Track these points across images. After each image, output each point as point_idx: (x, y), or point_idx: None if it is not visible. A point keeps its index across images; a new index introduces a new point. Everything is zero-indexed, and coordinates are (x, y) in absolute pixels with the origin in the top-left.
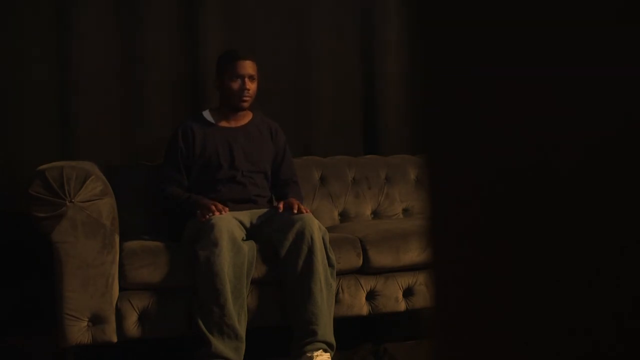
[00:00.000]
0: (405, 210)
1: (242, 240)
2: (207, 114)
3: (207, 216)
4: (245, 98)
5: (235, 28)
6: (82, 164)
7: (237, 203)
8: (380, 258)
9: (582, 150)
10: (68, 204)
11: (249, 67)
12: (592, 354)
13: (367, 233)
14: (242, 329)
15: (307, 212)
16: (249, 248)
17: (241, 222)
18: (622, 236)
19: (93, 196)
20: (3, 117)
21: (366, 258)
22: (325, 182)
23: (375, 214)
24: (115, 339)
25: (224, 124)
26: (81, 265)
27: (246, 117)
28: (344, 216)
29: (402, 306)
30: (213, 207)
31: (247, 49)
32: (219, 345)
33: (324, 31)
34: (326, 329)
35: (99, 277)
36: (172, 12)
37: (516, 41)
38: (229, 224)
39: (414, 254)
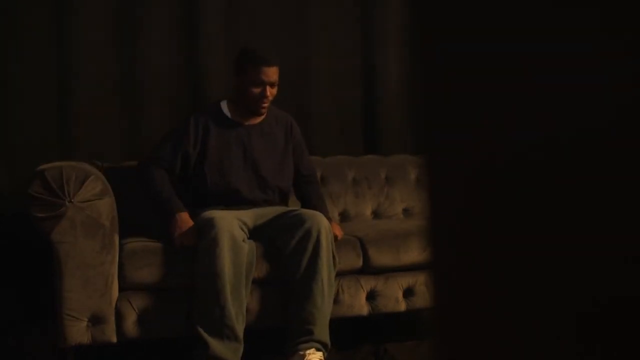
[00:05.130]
0: (405, 210)
1: (243, 241)
2: (224, 106)
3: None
4: (264, 105)
5: (235, 28)
6: (81, 164)
7: (245, 205)
8: (381, 258)
9: (578, 148)
10: (67, 204)
11: (273, 74)
12: (591, 352)
13: (367, 233)
14: (240, 330)
15: (340, 236)
16: (249, 249)
17: (244, 222)
18: (619, 233)
19: (92, 196)
20: (3, 117)
21: (366, 258)
22: (325, 182)
23: (376, 214)
24: (114, 339)
25: (239, 120)
26: (80, 266)
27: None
28: (344, 216)
29: (402, 306)
30: (177, 241)
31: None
32: (218, 346)
33: (324, 31)
34: (323, 330)
35: (99, 277)
36: (172, 13)
37: (510, 44)
38: (230, 225)
39: (414, 254)
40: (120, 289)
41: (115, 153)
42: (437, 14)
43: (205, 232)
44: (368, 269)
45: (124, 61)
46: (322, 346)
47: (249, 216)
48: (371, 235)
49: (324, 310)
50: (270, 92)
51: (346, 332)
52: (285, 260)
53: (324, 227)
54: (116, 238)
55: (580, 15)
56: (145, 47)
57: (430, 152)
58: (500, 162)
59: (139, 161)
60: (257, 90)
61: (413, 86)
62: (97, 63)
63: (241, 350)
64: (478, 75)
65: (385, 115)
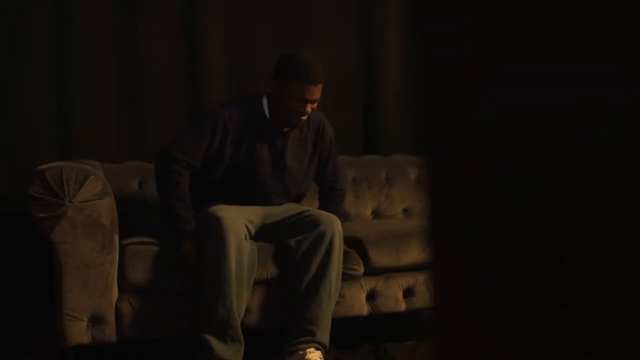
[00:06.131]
0: (405, 210)
1: (245, 239)
2: (265, 105)
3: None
4: (302, 119)
5: (235, 28)
6: (81, 164)
7: (258, 203)
8: (381, 258)
9: (578, 149)
10: (67, 204)
11: (317, 91)
12: (591, 351)
13: (367, 233)
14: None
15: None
16: (250, 250)
17: (251, 221)
18: (620, 233)
19: (92, 196)
20: (3, 117)
21: (366, 258)
22: None
23: (376, 214)
24: (114, 339)
25: (278, 123)
26: (80, 266)
27: None
28: (344, 216)
29: (402, 306)
30: (186, 262)
31: (248, 49)
32: (222, 349)
33: (323, 31)
34: (324, 332)
35: (99, 277)
36: (172, 12)
37: (509, 44)
38: (237, 225)
39: (414, 254)
40: (120, 289)
41: (116, 153)
42: (437, 14)
43: (213, 233)
44: (368, 269)
45: (124, 61)
46: (321, 346)
47: (258, 214)
48: (371, 235)
49: (328, 314)
50: (311, 107)
51: (346, 332)
52: (296, 260)
53: (338, 231)
54: (116, 238)
55: (582, 15)
56: (146, 47)
57: (430, 152)
58: (500, 162)
59: (163, 151)
60: (297, 105)
61: (413, 87)
62: (97, 63)
63: (242, 350)
64: (478, 75)
65: (385, 115)
